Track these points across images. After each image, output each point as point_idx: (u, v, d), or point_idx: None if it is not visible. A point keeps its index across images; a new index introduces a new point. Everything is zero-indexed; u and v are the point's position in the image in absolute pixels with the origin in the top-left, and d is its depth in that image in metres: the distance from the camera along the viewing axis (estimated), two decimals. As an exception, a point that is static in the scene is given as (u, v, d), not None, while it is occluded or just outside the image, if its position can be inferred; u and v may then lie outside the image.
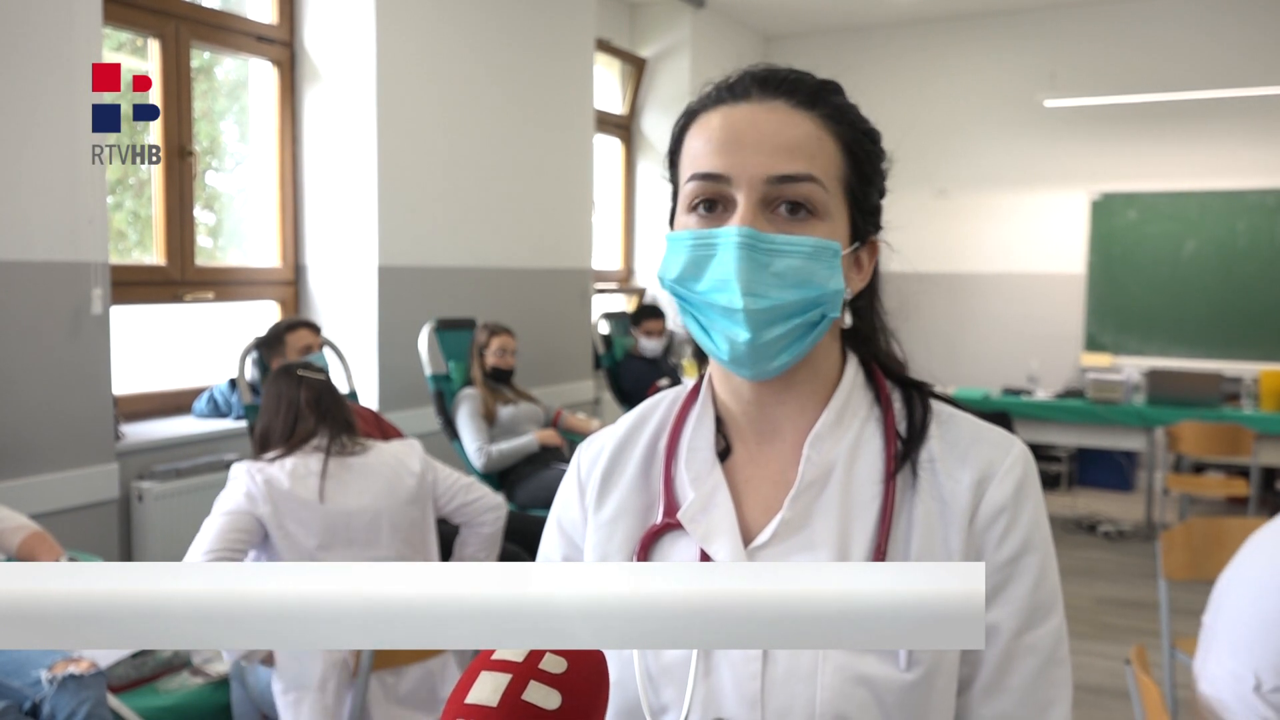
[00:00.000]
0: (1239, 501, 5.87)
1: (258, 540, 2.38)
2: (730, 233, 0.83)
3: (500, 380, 4.30)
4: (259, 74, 4.38)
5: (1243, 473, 5.77)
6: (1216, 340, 6.83)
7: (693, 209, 0.87)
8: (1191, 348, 6.88)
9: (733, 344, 0.85)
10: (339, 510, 2.41)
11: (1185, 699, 2.39)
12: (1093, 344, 7.19)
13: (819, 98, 0.88)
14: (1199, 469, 6.36)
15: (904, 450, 0.89)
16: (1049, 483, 6.55)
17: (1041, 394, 6.18)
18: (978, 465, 0.87)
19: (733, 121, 0.86)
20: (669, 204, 0.93)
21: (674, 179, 0.92)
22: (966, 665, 0.85)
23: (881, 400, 0.93)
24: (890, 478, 0.87)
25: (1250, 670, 1.81)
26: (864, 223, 0.90)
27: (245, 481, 2.37)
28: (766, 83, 0.87)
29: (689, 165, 0.88)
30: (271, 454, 2.45)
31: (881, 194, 0.93)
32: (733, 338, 0.84)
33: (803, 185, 0.84)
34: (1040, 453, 6.62)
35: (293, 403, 2.50)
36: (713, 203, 0.86)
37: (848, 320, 0.91)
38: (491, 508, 2.69)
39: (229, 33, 4.10)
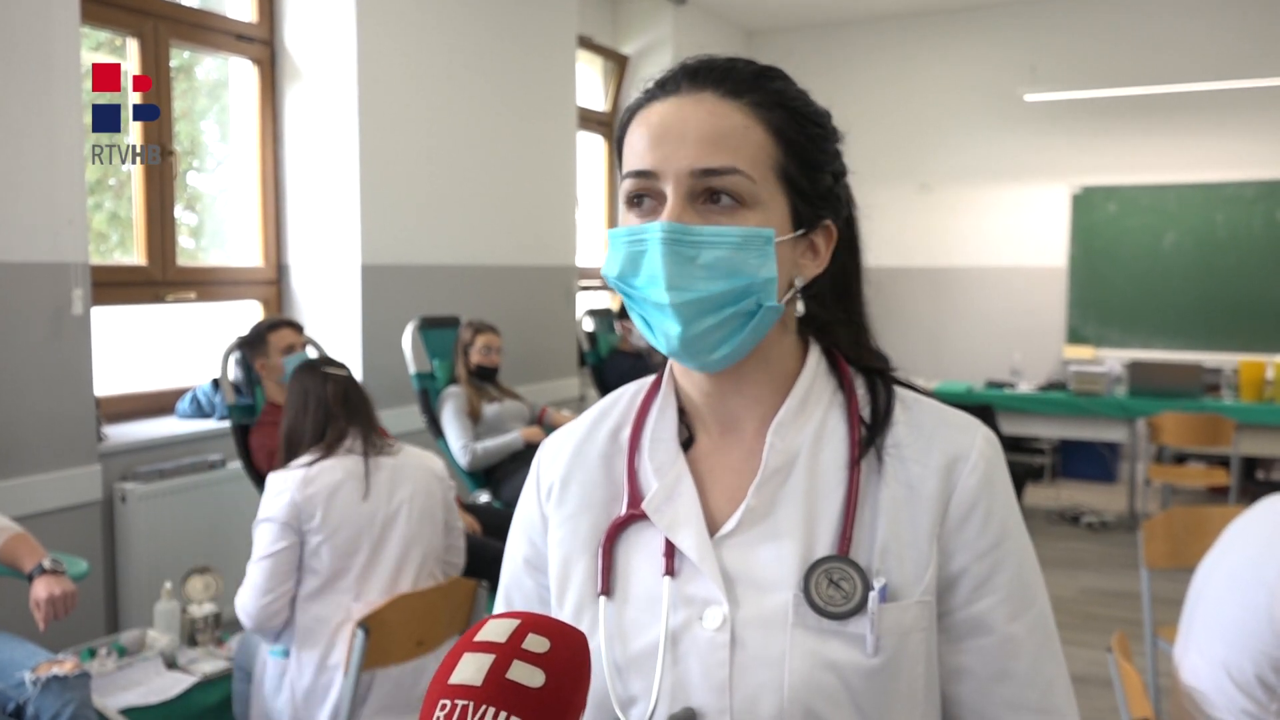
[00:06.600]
0: (1220, 491, 5.93)
1: (298, 559, 2.37)
2: (655, 228, 0.84)
3: (485, 378, 4.30)
4: (239, 73, 4.36)
5: (1223, 462, 5.83)
6: (1197, 331, 6.88)
7: (630, 205, 0.88)
8: (1172, 339, 6.94)
9: (668, 338, 0.86)
10: (378, 509, 2.40)
11: (1167, 686, 2.40)
12: (1075, 336, 7.23)
13: (750, 85, 0.87)
14: (1180, 459, 6.41)
15: (868, 436, 0.89)
16: (1032, 475, 6.59)
17: (1024, 387, 6.23)
18: (944, 450, 0.88)
19: (662, 117, 0.86)
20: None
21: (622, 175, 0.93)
22: (968, 654, 0.86)
23: (845, 387, 0.93)
24: (855, 464, 0.88)
25: (1230, 661, 1.82)
26: (812, 207, 0.89)
27: (290, 494, 2.34)
28: (697, 75, 0.88)
29: (626, 162, 0.89)
30: (308, 458, 2.42)
31: (836, 176, 0.92)
32: (667, 332, 0.86)
33: (727, 177, 0.84)
34: (1023, 445, 6.67)
35: (321, 400, 2.48)
36: (647, 197, 0.87)
37: (801, 308, 0.91)
38: (455, 565, 2.69)
39: (208, 31, 4.08)
